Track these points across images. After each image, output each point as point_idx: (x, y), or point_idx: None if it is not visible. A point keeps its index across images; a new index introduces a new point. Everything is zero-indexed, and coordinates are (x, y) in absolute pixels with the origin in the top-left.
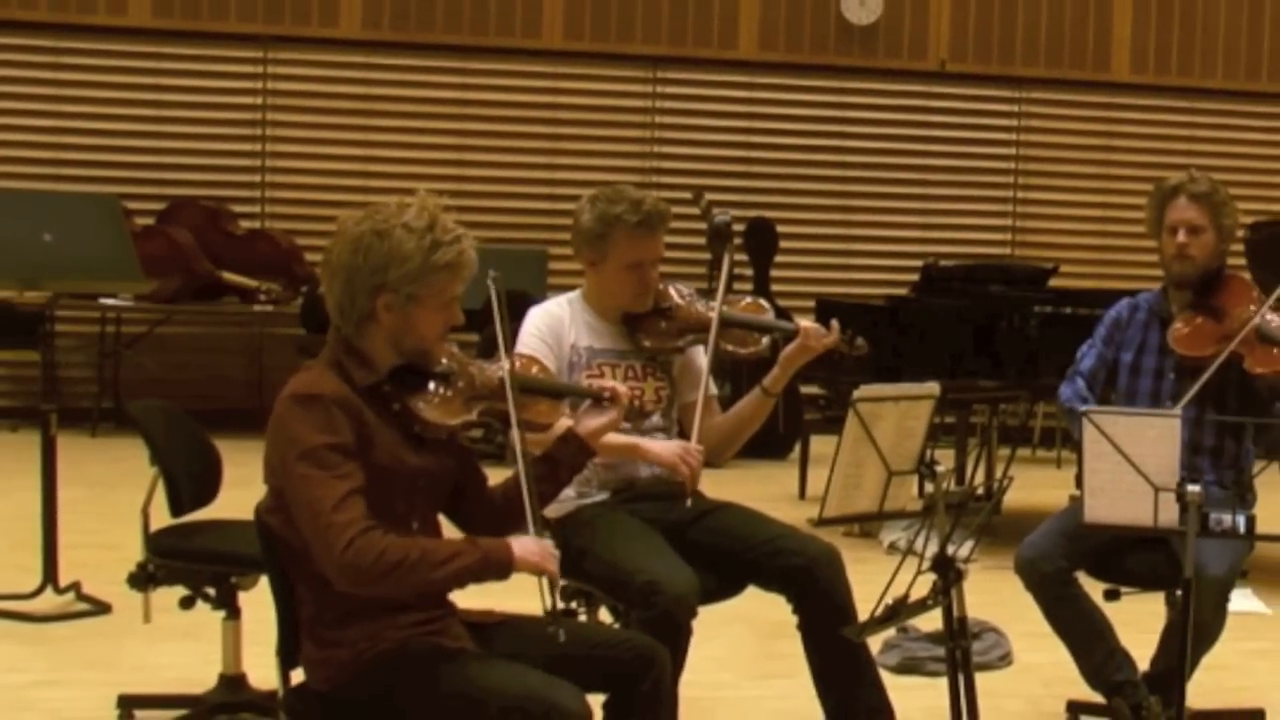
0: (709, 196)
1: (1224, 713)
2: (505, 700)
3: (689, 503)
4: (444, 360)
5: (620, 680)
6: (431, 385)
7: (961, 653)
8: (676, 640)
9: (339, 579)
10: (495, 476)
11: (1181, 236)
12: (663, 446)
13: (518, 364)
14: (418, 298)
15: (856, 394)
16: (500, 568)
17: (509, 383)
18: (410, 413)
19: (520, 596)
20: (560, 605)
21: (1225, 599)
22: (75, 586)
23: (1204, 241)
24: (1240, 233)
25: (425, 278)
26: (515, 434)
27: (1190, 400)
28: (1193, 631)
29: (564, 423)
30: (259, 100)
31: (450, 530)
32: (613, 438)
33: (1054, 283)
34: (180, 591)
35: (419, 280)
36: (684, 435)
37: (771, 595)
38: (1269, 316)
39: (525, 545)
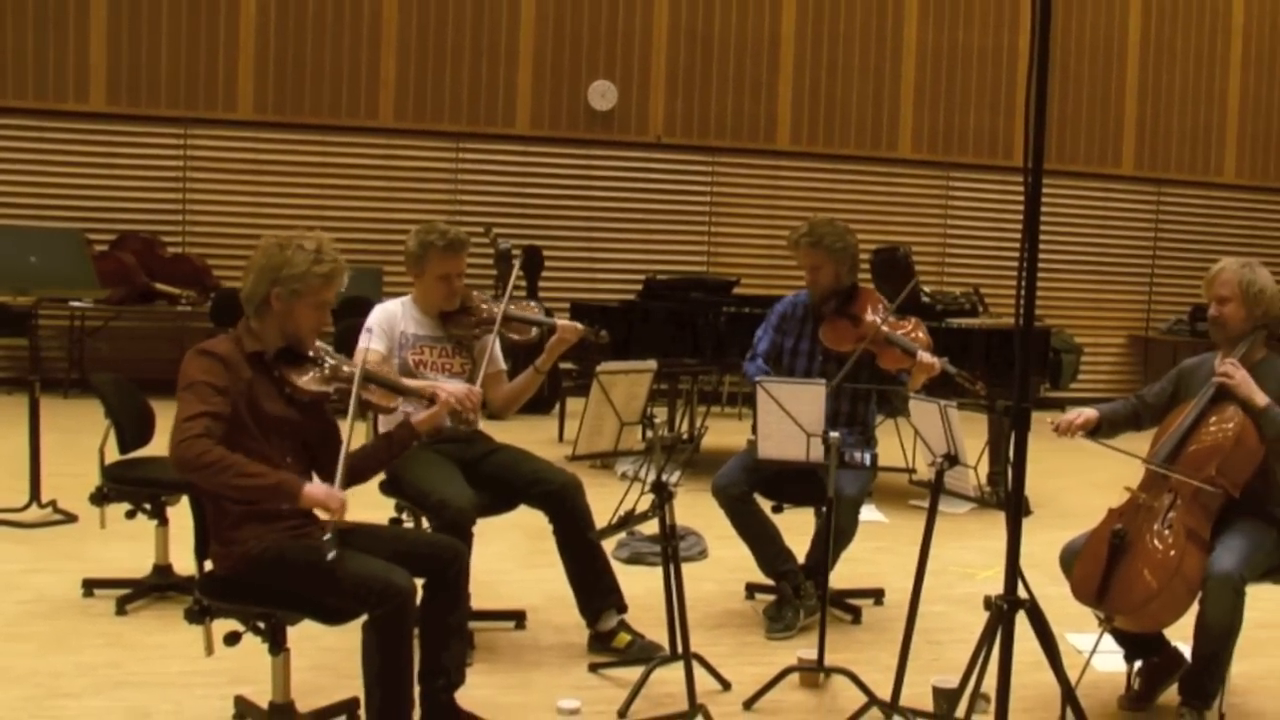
0: (496, 230)
1: (856, 591)
2: (355, 580)
3: (473, 421)
4: (316, 349)
5: (436, 567)
6: (304, 364)
7: (672, 549)
8: (463, 540)
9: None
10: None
11: (808, 276)
12: (454, 387)
13: (369, 361)
14: (299, 294)
15: (599, 369)
16: (290, 497)
17: (358, 375)
18: (284, 378)
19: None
20: (396, 515)
21: (857, 512)
22: (53, 503)
23: (825, 274)
24: (865, 256)
25: (306, 280)
26: (350, 413)
27: (839, 381)
28: (834, 536)
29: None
30: (181, 162)
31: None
32: (417, 382)
33: (736, 291)
34: (126, 507)
35: (302, 280)
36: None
37: (536, 510)
38: (891, 320)
39: (316, 487)
